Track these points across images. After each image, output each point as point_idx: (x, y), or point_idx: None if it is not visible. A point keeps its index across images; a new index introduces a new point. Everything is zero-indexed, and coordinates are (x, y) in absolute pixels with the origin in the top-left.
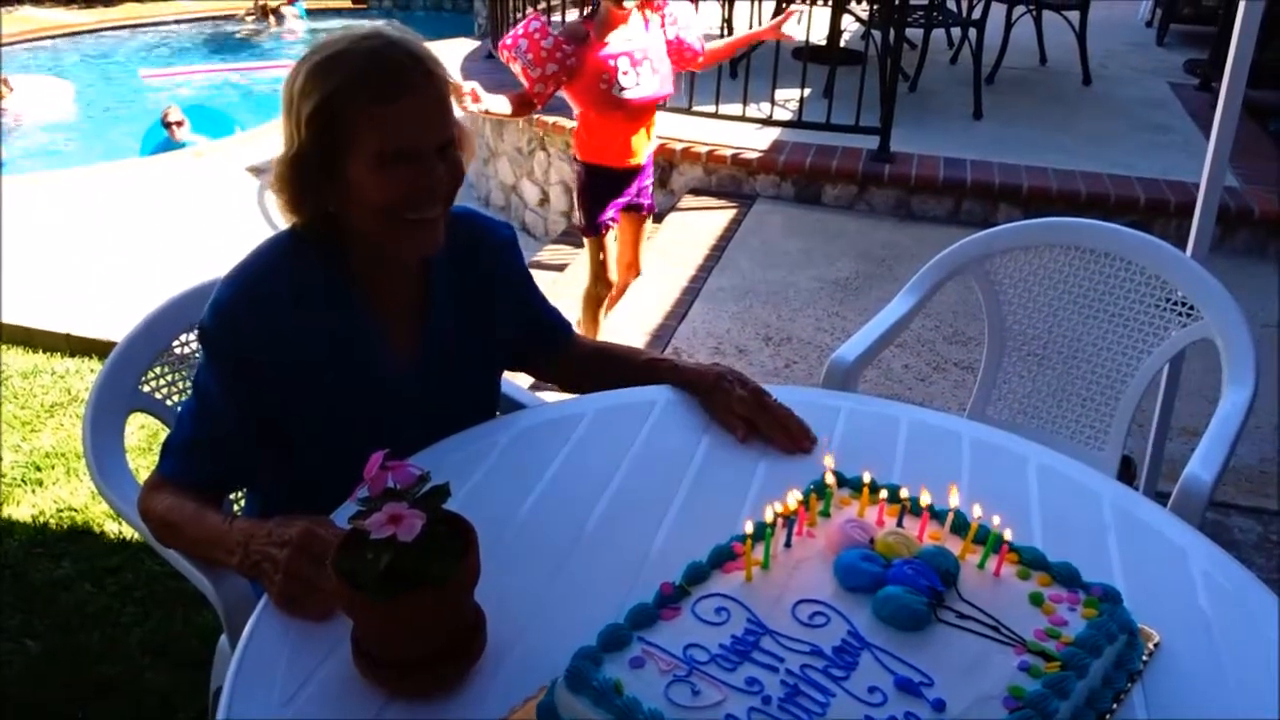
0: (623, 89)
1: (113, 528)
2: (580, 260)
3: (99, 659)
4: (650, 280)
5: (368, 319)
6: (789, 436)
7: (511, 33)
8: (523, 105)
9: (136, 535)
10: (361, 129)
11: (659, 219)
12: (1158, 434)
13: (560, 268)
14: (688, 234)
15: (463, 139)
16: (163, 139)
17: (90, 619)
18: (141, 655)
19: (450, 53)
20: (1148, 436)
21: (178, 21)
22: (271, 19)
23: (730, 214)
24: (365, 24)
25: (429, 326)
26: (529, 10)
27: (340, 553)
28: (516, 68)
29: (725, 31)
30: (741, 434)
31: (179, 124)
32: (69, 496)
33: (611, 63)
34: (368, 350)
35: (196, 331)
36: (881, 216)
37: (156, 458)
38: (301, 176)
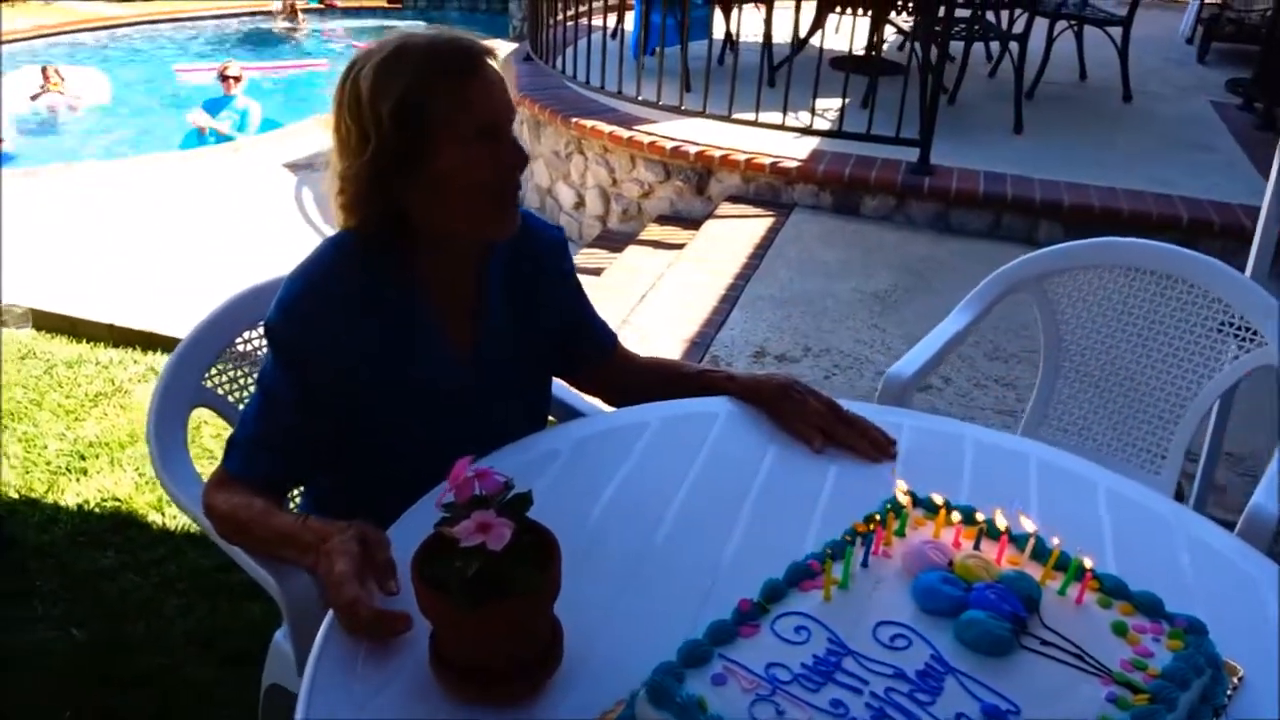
0: None
1: (156, 518)
2: (617, 264)
3: (142, 650)
4: (689, 287)
5: (427, 315)
6: (871, 443)
7: None
8: None
9: (180, 526)
10: (450, 111)
11: (696, 226)
12: (1208, 459)
13: (596, 271)
14: (725, 242)
15: None
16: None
17: (134, 609)
18: (185, 647)
19: None
20: (1196, 461)
21: (215, 17)
22: (300, 18)
23: (768, 222)
24: (400, 26)
25: (483, 324)
26: (564, 14)
27: (424, 559)
28: None
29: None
30: (817, 444)
31: (236, 79)
32: (113, 486)
33: None
34: (428, 346)
35: (263, 328)
36: (920, 229)
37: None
38: (379, 176)
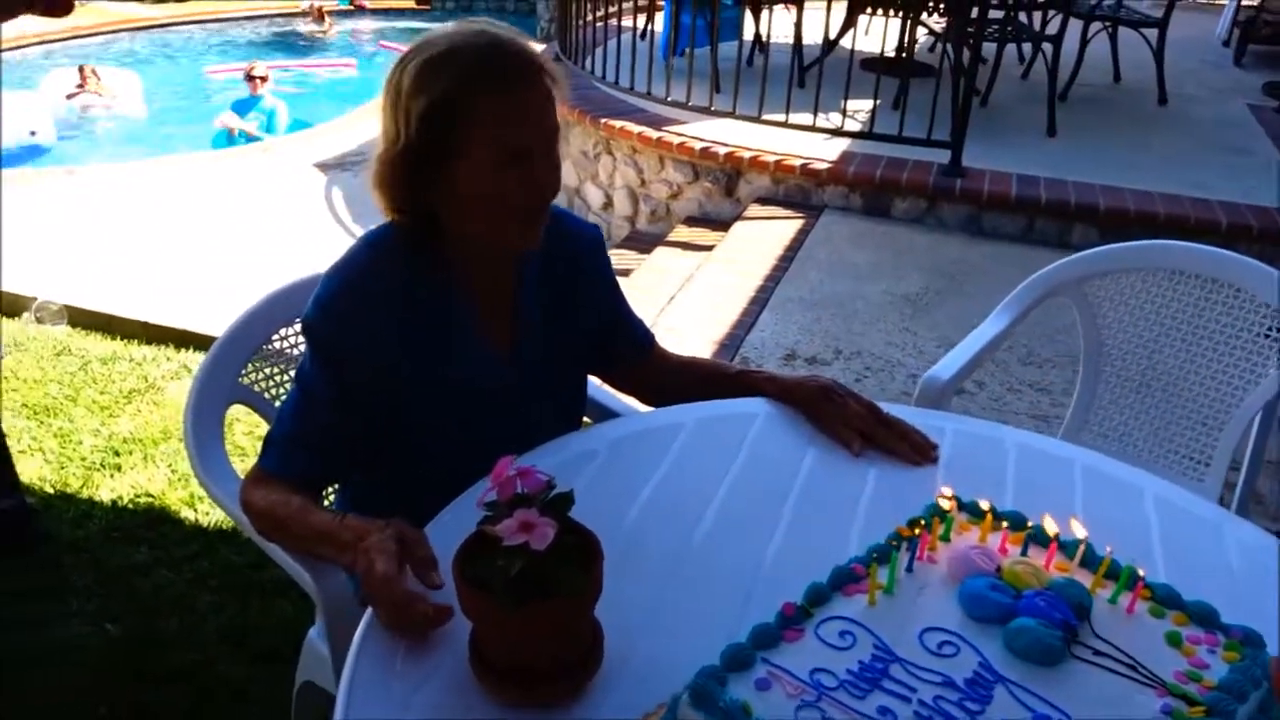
0: None
1: (189, 515)
2: (646, 266)
3: (175, 646)
4: (718, 288)
5: (464, 315)
6: (913, 446)
7: None
8: None
9: (213, 523)
10: (477, 125)
11: (725, 227)
12: (1250, 467)
13: (625, 273)
14: (755, 243)
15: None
16: (224, 136)
17: (167, 605)
18: (218, 644)
19: None
20: (1239, 470)
21: (247, 18)
22: (328, 20)
23: (797, 224)
24: (470, 22)
25: (519, 321)
26: (594, 14)
27: (466, 558)
28: None
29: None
30: (857, 448)
31: (262, 79)
32: (146, 482)
33: None
34: (465, 346)
35: (300, 326)
36: (951, 232)
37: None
38: (407, 173)
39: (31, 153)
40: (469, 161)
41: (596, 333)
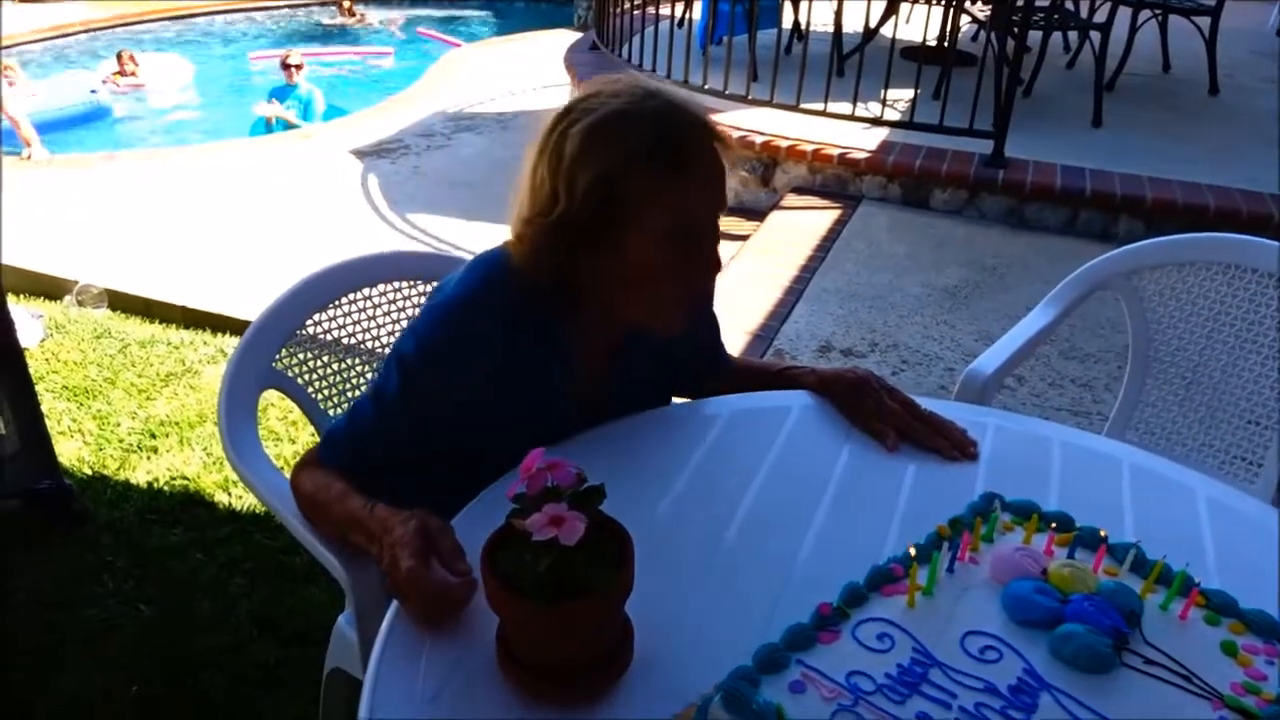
0: None
1: (223, 498)
2: None
3: (208, 628)
4: (753, 279)
5: (567, 360)
6: (952, 442)
7: None
8: None
9: (246, 507)
10: (650, 203)
11: (761, 217)
12: None
13: None
14: (790, 233)
15: None
16: (263, 124)
17: (200, 588)
18: (249, 627)
19: (551, 44)
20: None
21: (290, 6)
22: (357, 13)
23: (834, 214)
24: (634, 79)
25: (617, 367)
26: (632, 2)
27: (494, 552)
28: None
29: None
30: (891, 443)
31: (298, 67)
32: (182, 465)
33: None
34: (553, 398)
35: (396, 358)
36: (991, 223)
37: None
38: (563, 241)
39: (95, 114)
40: (635, 240)
41: (689, 360)
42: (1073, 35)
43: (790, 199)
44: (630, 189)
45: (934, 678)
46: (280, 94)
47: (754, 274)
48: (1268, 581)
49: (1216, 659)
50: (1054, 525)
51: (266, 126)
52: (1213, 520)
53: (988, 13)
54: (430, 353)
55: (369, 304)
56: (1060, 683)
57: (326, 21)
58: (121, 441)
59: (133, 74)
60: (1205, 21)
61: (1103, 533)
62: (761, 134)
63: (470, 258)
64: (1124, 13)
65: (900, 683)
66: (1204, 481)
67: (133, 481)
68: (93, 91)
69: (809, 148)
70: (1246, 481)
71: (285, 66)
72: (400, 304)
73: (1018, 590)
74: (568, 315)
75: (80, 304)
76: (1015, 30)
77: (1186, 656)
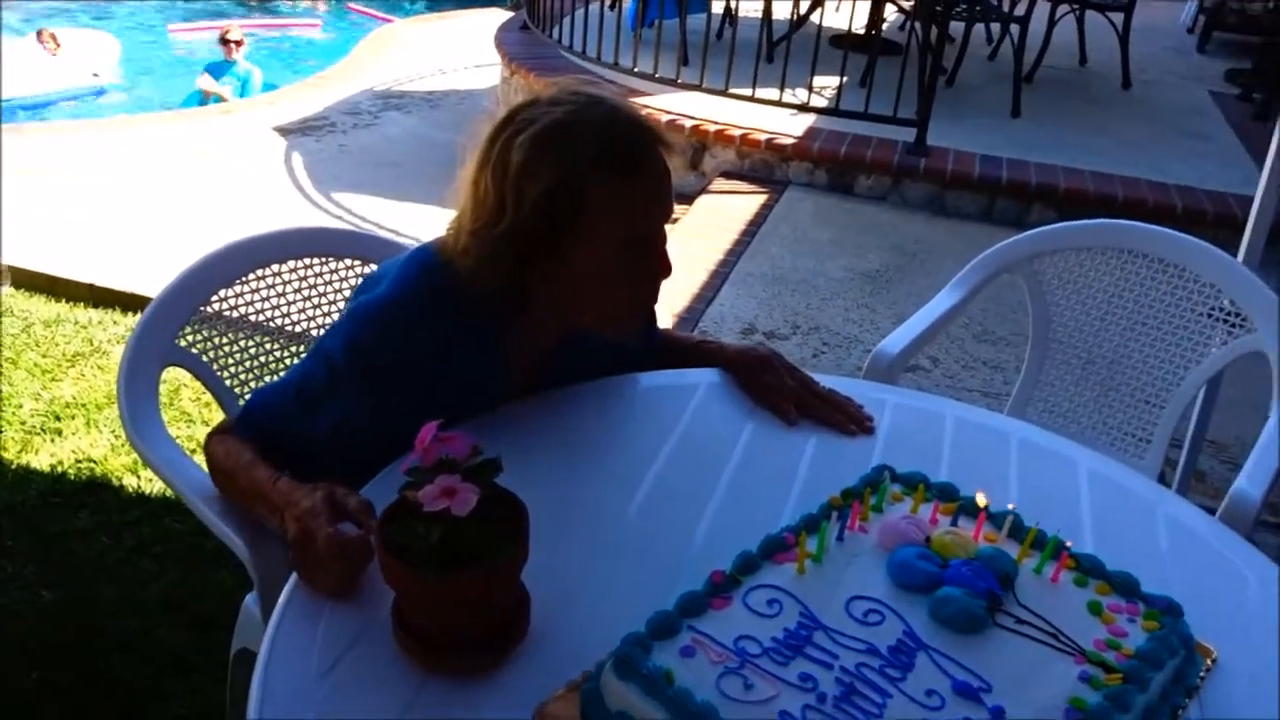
0: None
1: (131, 481)
2: None
3: (114, 612)
4: (679, 262)
5: (505, 363)
6: (848, 416)
7: None
8: None
9: (155, 490)
10: (602, 212)
11: (689, 201)
12: (1191, 446)
13: None
14: (718, 217)
15: None
16: (198, 97)
17: (106, 572)
18: (158, 611)
19: (484, 23)
20: (1180, 448)
21: None
22: None
23: (761, 199)
24: (578, 86)
25: (556, 364)
26: None
27: (388, 524)
28: None
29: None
30: (792, 417)
31: (238, 44)
32: (88, 448)
33: None
34: (491, 387)
35: (323, 354)
36: (914, 210)
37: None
38: (510, 251)
39: (96, 96)
40: (586, 249)
41: (627, 352)
42: (995, 27)
43: (718, 183)
44: (582, 199)
45: (818, 640)
46: (216, 70)
47: (681, 257)
48: (1138, 546)
49: (1083, 618)
50: (938, 495)
51: (202, 100)
52: (1092, 491)
53: (913, 2)
54: (360, 355)
55: (279, 280)
56: (937, 643)
57: None
58: (24, 424)
59: (53, 53)
60: (1119, 18)
61: (982, 500)
62: (691, 118)
63: (387, 235)
64: (1043, 6)
65: (785, 645)
66: (1088, 455)
67: (34, 465)
68: (95, 75)
69: (737, 132)
70: (1136, 457)
71: (225, 42)
72: (312, 281)
73: (901, 556)
74: (510, 320)
75: None
76: (938, 20)
77: (1055, 616)
